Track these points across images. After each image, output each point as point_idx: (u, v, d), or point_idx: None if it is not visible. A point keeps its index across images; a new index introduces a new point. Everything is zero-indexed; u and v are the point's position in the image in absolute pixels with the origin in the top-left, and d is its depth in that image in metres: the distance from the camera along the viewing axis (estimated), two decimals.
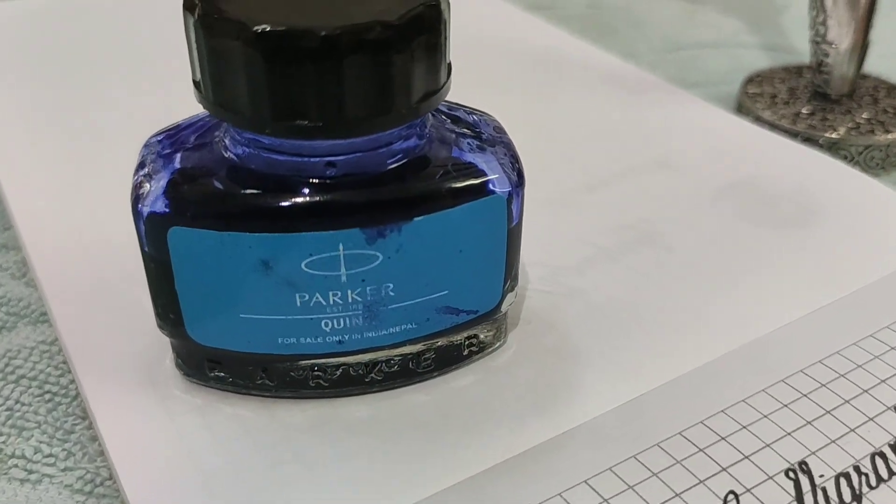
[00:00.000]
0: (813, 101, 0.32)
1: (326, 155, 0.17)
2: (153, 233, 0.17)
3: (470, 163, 0.18)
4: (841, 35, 0.30)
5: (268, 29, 0.15)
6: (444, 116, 0.19)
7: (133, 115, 0.31)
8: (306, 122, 0.16)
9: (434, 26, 0.16)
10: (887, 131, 0.30)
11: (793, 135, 0.31)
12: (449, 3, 0.17)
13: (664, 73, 0.37)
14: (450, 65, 0.18)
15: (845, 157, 0.30)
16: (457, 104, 0.20)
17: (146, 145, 0.18)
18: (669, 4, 0.44)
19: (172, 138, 0.19)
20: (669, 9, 0.44)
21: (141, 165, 0.18)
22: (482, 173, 0.18)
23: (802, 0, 0.32)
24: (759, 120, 0.31)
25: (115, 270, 0.23)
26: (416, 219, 0.17)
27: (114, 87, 0.34)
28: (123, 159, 0.21)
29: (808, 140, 0.30)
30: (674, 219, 0.26)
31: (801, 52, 0.38)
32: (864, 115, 0.31)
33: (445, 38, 0.17)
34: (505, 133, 0.20)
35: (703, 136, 0.30)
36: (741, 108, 0.33)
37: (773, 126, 0.31)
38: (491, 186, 0.18)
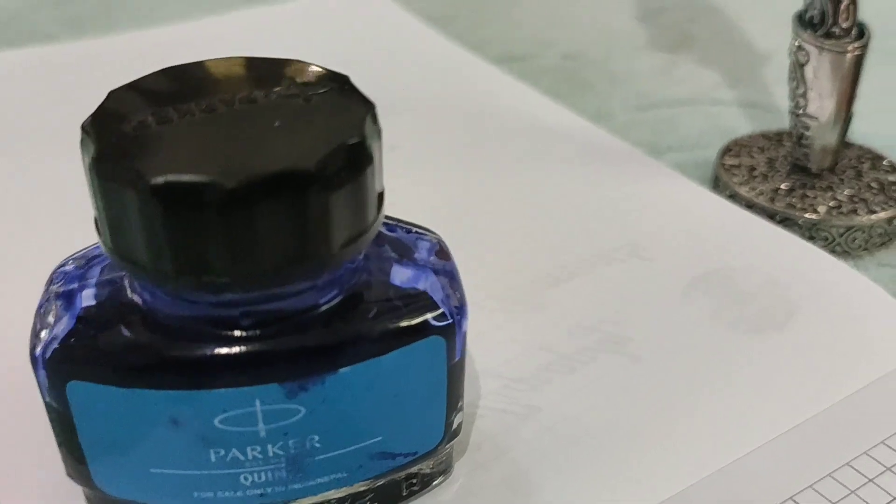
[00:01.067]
0: (793, 175, 0.30)
1: (241, 305, 0.15)
2: (53, 382, 0.16)
3: (407, 296, 0.17)
4: (822, 108, 0.29)
5: (167, 180, 0.14)
6: (380, 241, 0.18)
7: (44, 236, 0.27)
8: (213, 277, 0.14)
9: (358, 167, 0.15)
10: (870, 211, 0.29)
11: (770, 215, 0.29)
12: (379, 131, 0.16)
13: (638, 137, 0.35)
14: (382, 194, 0.16)
15: (826, 239, 0.29)
16: (396, 222, 0.19)
17: (50, 281, 0.17)
18: (649, 56, 0.43)
19: (81, 269, 0.17)
20: (649, 60, 0.42)
21: (42, 305, 0.16)
22: (419, 309, 0.17)
23: (785, 48, 0.30)
24: (735, 197, 0.30)
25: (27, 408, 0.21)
26: (343, 370, 0.16)
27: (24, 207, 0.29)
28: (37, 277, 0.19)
29: (787, 220, 0.29)
30: (642, 319, 0.24)
31: (783, 108, 0.36)
32: (847, 192, 0.29)
33: (374, 174, 0.15)
34: (448, 257, 0.18)
35: (677, 216, 0.29)
36: (717, 182, 0.31)
37: (750, 204, 0.29)
38: (429, 324, 0.17)
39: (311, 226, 0.14)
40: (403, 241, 0.18)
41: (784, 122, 0.33)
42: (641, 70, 0.41)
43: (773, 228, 0.28)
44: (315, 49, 0.39)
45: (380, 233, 0.18)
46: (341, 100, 0.15)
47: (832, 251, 0.29)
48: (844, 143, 0.32)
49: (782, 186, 0.30)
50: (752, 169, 0.31)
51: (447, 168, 0.31)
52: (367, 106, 0.15)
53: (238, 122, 0.15)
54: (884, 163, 0.31)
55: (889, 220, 0.29)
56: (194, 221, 0.14)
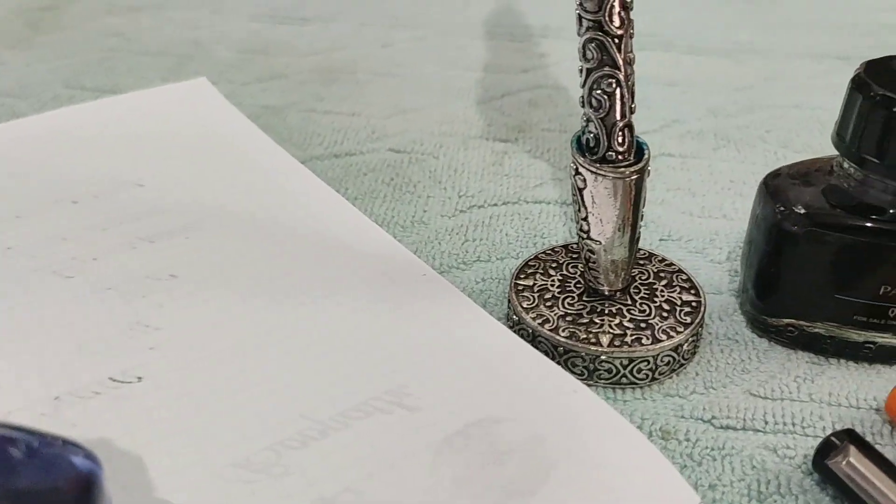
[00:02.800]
0: (585, 297, 0.29)
1: None
2: None
3: None
4: (603, 232, 0.28)
5: None
6: None
7: None
8: None
9: None
10: (656, 339, 0.27)
11: (554, 346, 0.28)
12: None
13: (449, 246, 0.34)
14: None
15: (610, 371, 0.27)
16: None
17: None
18: (482, 146, 0.42)
19: None
20: (480, 152, 0.41)
21: None
22: None
23: None
24: (520, 325, 0.28)
25: None
26: None
27: None
28: None
29: (570, 353, 0.27)
30: (384, 489, 0.22)
31: None
32: (637, 314, 0.28)
33: None
34: None
35: (457, 353, 0.27)
36: (510, 305, 0.30)
37: (535, 334, 0.28)
38: None
39: None
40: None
41: None
42: (470, 164, 0.40)
43: (549, 368, 0.26)
44: (129, 146, 0.38)
45: None
46: None
47: (618, 383, 0.28)
48: (648, 254, 0.31)
49: (570, 312, 0.29)
50: (544, 290, 0.30)
51: (221, 297, 0.29)
52: None
53: None
54: (682, 279, 0.30)
55: (675, 348, 0.28)
56: None
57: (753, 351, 0.29)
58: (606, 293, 0.29)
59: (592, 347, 0.27)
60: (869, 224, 0.27)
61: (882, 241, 0.26)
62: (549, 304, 0.29)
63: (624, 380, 0.27)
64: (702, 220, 0.36)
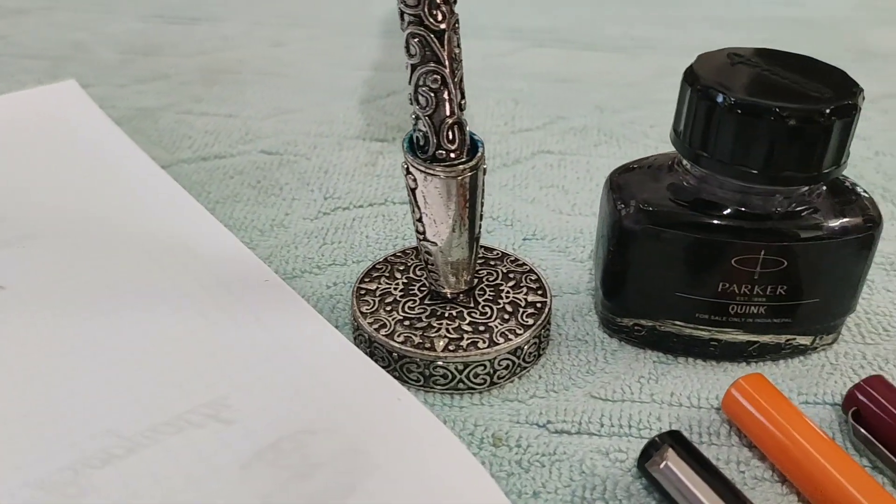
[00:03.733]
0: (428, 300, 0.28)
1: None
2: None
3: None
4: (439, 233, 0.27)
5: None
6: None
7: None
8: None
9: None
10: (493, 343, 0.27)
11: (389, 352, 0.27)
12: None
13: (306, 250, 0.33)
14: None
15: (446, 377, 0.26)
16: None
17: None
18: (358, 147, 0.41)
19: None
20: (356, 152, 0.40)
21: None
22: None
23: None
24: (359, 330, 0.28)
25: None
26: None
27: None
28: None
29: (405, 359, 0.27)
30: None
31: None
32: (478, 317, 0.27)
33: None
34: None
35: (286, 362, 0.26)
36: (353, 313, 0.29)
37: (372, 340, 0.27)
38: None
39: None
40: None
41: None
42: (342, 165, 0.39)
43: (376, 375, 0.25)
44: None
45: None
46: None
47: (455, 388, 0.27)
48: (499, 255, 0.30)
49: (410, 316, 0.28)
50: (387, 294, 0.29)
51: (45, 309, 0.28)
52: None
53: None
54: (532, 279, 0.29)
55: (514, 351, 0.27)
56: None
57: (602, 352, 0.28)
58: (449, 296, 0.28)
59: (427, 353, 0.26)
60: (706, 221, 0.26)
61: (718, 238, 0.26)
62: (389, 308, 0.28)
63: (461, 385, 0.27)
64: (570, 218, 0.35)
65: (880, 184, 0.38)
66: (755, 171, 0.24)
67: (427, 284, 0.29)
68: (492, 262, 0.30)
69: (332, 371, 0.26)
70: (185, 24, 0.54)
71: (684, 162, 0.27)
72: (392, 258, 0.30)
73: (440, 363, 0.26)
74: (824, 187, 0.26)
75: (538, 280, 0.29)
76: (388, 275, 0.30)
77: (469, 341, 0.27)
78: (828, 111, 0.24)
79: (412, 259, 0.30)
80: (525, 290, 0.29)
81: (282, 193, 0.37)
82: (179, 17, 0.55)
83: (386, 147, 0.40)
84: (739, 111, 0.24)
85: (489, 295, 0.28)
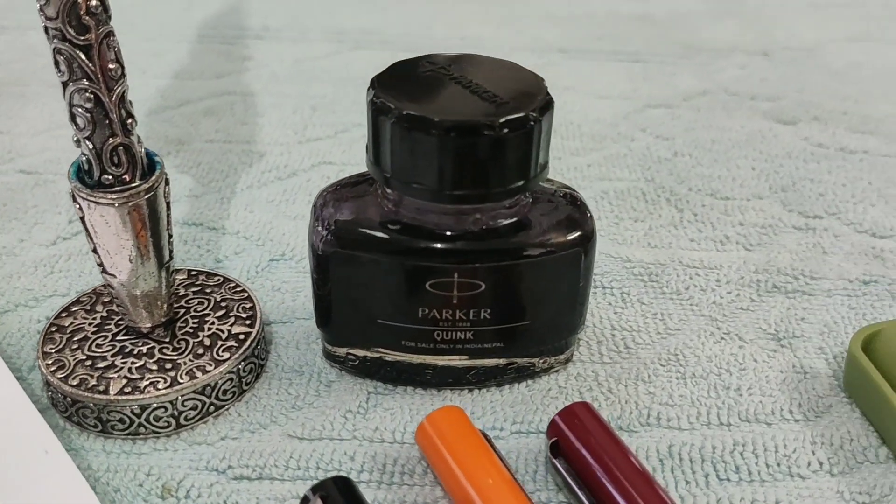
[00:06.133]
0: (122, 335, 0.26)
1: None
2: None
3: None
4: (116, 264, 0.24)
5: None
6: None
7: None
8: None
9: None
10: (176, 382, 0.24)
11: (63, 396, 0.24)
12: None
13: (29, 281, 0.30)
14: None
15: (123, 422, 0.24)
16: None
17: None
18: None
19: None
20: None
21: None
22: None
23: None
24: (49, 386, 0.25)
25: None
26: None
27: None
28: None
29: (78, 403, 0.24)
30: None
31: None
32: (169, 353, 0.25)
33: None
34: None
35: None
36: (38, 353, 0.26)
37: (48, 384, 0.25)
38: None
39: None
40: None
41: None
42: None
43: (29, 424, 0.23)
44: None
45: None
46: None
47: (137, 434, 0.24)
48: (220, 283, 0.28)
49: (95, 355, 0.25)
50: (78, 332, 0.26)
51: None
52: None
53: None
54: (246, 307, 0.27)
55: (202, 389, 0.25)
56: None
57: (316, 384, 0.26)
58: (144, 330, 0.26)
59: (100, 396, 0.24)
60: (397, 244, 0.24)
61: (410, 262, 0.24)
62: (75, 346, 0.26)
63: (143, 429, 0.24)
64: None
65: (669, 187, 0.37)
66: (432, 189, 0.23)
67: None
68: (207, 290, 0.28)
69: None
70: None
71: None
72: (101, 289, 0.28)
73: (115, 408, 0.24)
74: (530, 200, 0.25)
75: (252, 308, 0.27)
76: (88, 308, 0.27)
77: (149, 382, 0.24)
78: (498, 124, 0.22)
79: (103, 297, 0.28)
80: (233, 319, 0.27)
81: (25, 217, 0.34)
82: None
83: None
84: (406, 125, 0.22)
85: (190, 327, 0.26)
